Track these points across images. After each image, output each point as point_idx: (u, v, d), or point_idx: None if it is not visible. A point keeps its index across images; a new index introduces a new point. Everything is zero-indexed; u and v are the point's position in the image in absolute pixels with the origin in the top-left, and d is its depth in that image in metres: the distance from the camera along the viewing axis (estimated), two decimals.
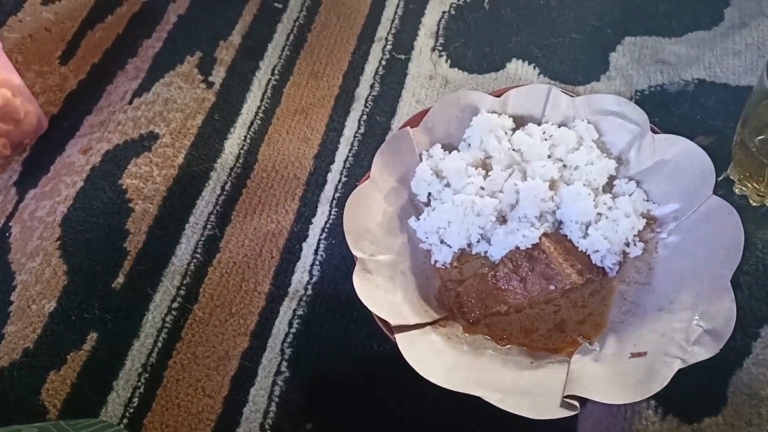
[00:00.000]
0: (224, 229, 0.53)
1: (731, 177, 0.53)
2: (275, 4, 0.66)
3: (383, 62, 0.63)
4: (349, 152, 0.57)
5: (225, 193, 0.55)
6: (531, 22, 0.64)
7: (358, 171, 0.56)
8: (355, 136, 0.58)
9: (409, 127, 0.53)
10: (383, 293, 0.46)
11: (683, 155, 0.49)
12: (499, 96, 0.55)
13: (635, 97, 0.59)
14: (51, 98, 0.63)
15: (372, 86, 0.61)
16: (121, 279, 0.51)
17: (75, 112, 0.61)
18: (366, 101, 0.60)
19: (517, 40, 0.63)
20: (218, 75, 0.62)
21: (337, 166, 0.57)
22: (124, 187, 0.55)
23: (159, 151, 0.57)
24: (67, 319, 0.49)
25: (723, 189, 0.53)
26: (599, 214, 0.49)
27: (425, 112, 0.54)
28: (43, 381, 0.47)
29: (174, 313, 0.50)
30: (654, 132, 0.51)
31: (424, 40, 0.64)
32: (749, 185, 0.52)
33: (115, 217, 0.54)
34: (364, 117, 0.59)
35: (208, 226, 0.54)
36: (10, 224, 0.55)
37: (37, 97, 0.62)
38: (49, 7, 0.70)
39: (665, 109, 0.58)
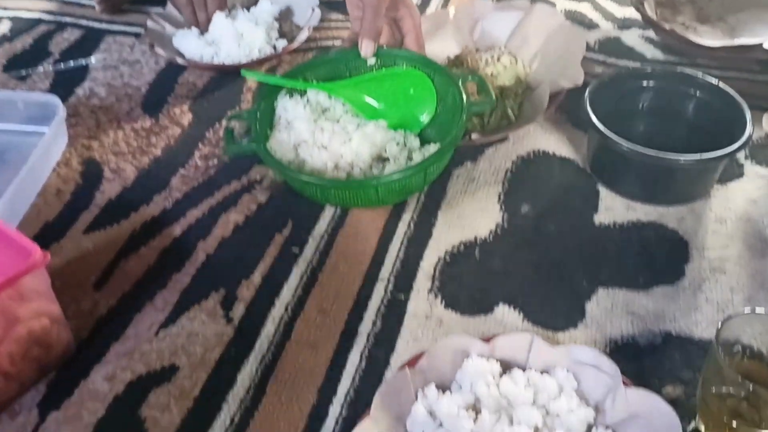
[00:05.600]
0: None
1: (699, 428, 0.58)
2: (293, 249, 0.75)
3: (385, 301, 0.70)
4: (351, 386, 0.63)
5: (233, 424, 0.60)
6: (516, 271, 0.73)
7: (358, 406, 0.61)
8: (356, 371, 0.64)
9: (406, 368, 0.59)
10: None
11: (652, 411, 0.54)
12: (487, 341, 0.62)
13: (609, 346, 0.66)
14: (81, 323, 0.69)
15: (374, 323, 0.68)
16: None
17: (103, 339, 0.67)
18: (368, 337, 0.67)
19: (503, 288, 0.72)
20: (238, 311, 0.69)
21: (338, 400, 0.62)
22: (143, 417, 0.60)
23: (178, 383, 0.62)
24: None
25: None
26: None
27: (421, 354, 0.61)
28: None
29: None
30: (626, 384, 0.57)
31: (422, 282, 0.72)
32: None
33: None
34: (366, 352, 0.65)
35: None
36: None
37: (70, 321, 0.68)
38: (89, 236, 0.79)
39: (637, 359, 0.64)
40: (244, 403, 0.61)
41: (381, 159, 0.82)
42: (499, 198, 0.81)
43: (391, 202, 0.80)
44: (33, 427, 0.60)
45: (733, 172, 0.83)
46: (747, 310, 0.56)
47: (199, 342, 0.66)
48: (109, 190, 0.85)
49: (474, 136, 0.87)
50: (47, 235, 0.79)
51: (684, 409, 0.58)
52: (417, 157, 0.80)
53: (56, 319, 0.64)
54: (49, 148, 0.87)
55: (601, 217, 0.79)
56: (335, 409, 0.61)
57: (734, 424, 0.53)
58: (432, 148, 0.80)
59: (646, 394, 0.55)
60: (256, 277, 0.73)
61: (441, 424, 0.56)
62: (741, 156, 0.85)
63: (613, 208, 0.80)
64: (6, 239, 0.62)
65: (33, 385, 0.64)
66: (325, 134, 0.81)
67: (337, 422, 0.60)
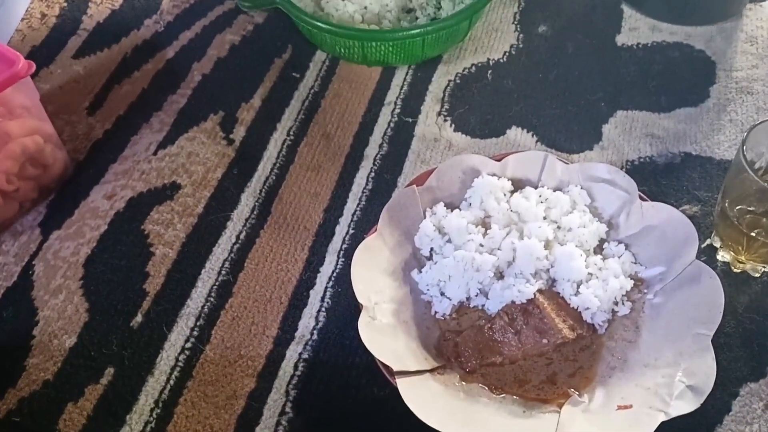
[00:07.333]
0: (237, 275, 0.57)
1: (714, 244, 0.57)
2: (293, 74, 0.71)
3: (391, 124, 0.67)
4: (357, 206, 0.61)
5: (239, 241, 0.59)
6: (530, 93, 0.69)
7: (365, 224, 0.60)
8: (363, 192, 0.62)
9: (414, 186, 0.57)
10: (386, 340, 0.49)
11: (669, 222, 0.52)
12: (499, 160, 0.59)
13: (626, 167, 0.63)
14: (78, 146, 0.67)
15: (380, 146, 0.66)
16: (139, 318, 0.54)
17: (100, 160, 0.65)
18: (374, 160, 0.64)
19: (517, 110, 0.68)
20: (239, 133, 0.66)
21: (345, 219, 0.60)
22: (146, 232, 0.59)
23: (180, 200, 0.61)
24: (86, 353, 0.52)
25: (707, 255, 0.56)
26: (590, 274, 0.52)
27: (430, 172, 0.58)
28: (61, 412, 0.49)
29: (187, 352, 0.52)
30: (642, 199, 0.55)
31: (430, 106, 0.69)
32: (730, 253, 0.55)
33: (136, 260, 0.57)
34: (372, 174, 0.63)
35: (223, 272, 0.57)
36: (33, 263, 0.58)
37: (65, 144, 0.66)
38: (79, 61, 0.75)
39: (653, 179, 0.62)
40: (250, 221, 0.60)
41: (407, 10, 0.75)
42: (515, 18, 0.76)
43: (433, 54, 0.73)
44: (36, 246, 0.59)
45: None
46: None
47: (200, 162, 0.64)
48: (96, 14, 0.79)
49: None
50: (35, 60, 0.73)
51: (700, 227, 0.56)
52: (447, 7, 0.73)
53: (49, 138, 0.62)
54: None
55: (624, 38, 0.74)
56: (342, 228, 0.60)
57: (754, 233, 0.52)
58: None
59: (662, 207, 0.53)
60: (256, 100, 0.69)
61: (449, 240, 0.55)
62: None
63: (638, 29, 0.74)
64: None
65: (33, 206, 0.62)
66: None
67: (344, 240, 0.59)
